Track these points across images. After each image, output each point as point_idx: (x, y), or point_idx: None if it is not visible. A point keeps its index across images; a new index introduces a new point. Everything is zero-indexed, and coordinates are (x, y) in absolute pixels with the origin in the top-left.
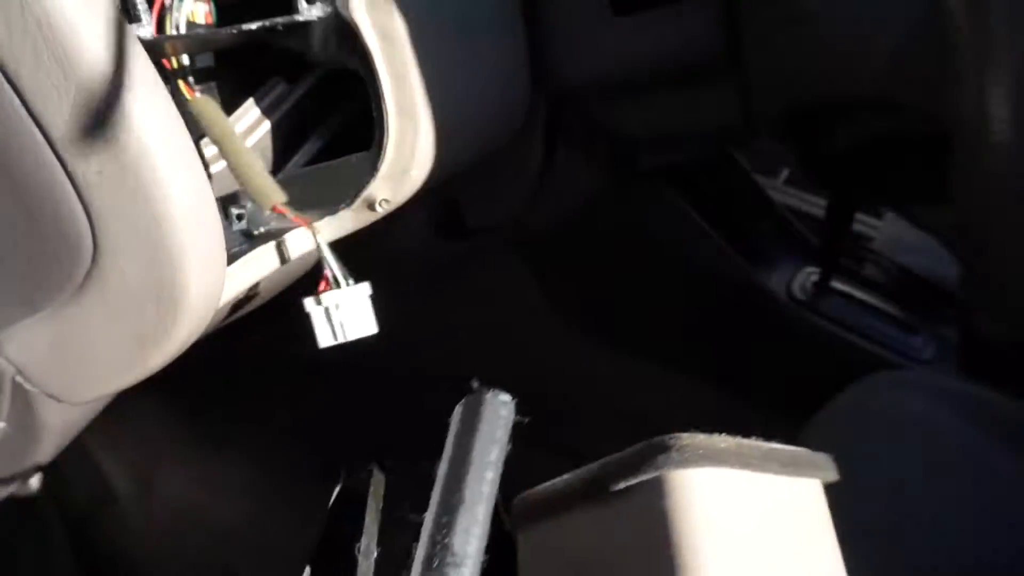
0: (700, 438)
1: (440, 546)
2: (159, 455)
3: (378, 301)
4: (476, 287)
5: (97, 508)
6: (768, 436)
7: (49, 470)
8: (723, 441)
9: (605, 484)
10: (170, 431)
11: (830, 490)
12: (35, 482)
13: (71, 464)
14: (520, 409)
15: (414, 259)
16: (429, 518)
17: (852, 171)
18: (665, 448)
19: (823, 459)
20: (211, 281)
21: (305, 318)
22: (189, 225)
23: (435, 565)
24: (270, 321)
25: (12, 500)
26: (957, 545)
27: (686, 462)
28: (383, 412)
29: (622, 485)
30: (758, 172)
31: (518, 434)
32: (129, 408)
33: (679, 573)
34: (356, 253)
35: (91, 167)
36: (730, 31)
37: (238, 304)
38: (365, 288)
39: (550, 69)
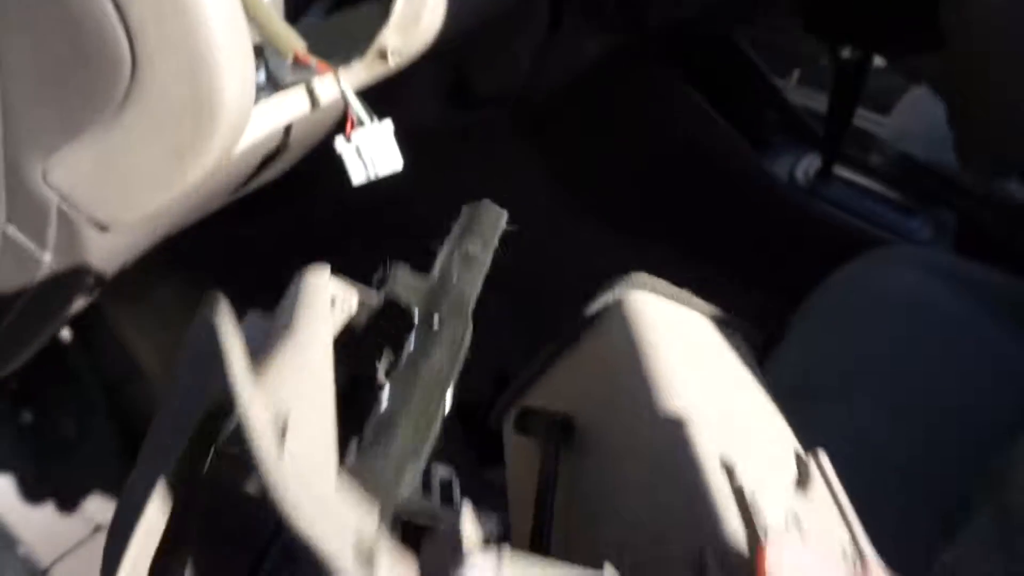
0: (646, 276)
1: (443, 287)
2: (181, 337)
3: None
4: (483, 160)
5: (127, 380)
6: (767, 312)
7: (83, 339)
8: (668, 284)
9: (577, 323)
10: (190, 315)
11: (833, 353)
12: (70, 339)
13: (102, 339)
14: (518, 291)
15: (425, 130)
16: (436, 267)
17: (854, 20)
18: (622, 280)
19: (741, 321)
20: (243, 93)
21: (337, 159)
22: (222, 37)
23: (437, 295)
24: (288, 203)
25: (54, 359)
26: (946, 405)
27: (643, 287)
28: None
29: (592, 311)
30: (771, 73)
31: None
32: (152, 291)
33: (644, 366)
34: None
35: None
36: None
37: (267, 157)
38: (388, 124)
39: None
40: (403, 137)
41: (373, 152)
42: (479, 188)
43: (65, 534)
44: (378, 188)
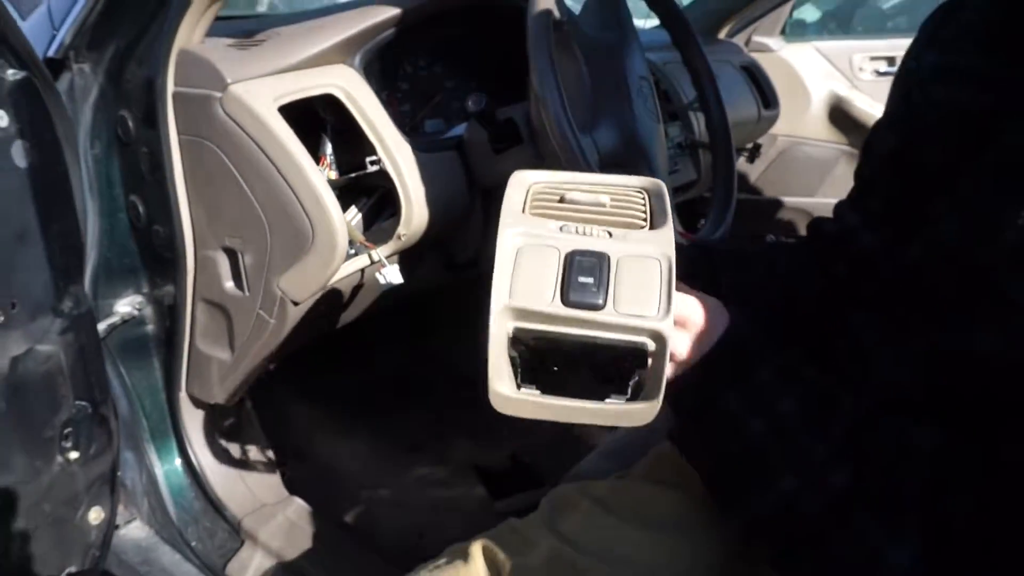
0: None
1: None
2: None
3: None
4: (464, 306)
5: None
6: None
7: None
8: None
9: None
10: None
11: None
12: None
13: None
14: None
15: (434, 287)
16: None
17: None
18: None
19: None
20: (339, 251)
21: (376, 278)
22: (341, 237)
23: None
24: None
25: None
26: None
27: None
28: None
29: None
30: None
31: None
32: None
33: None
34: (398, 289)
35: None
36: None
37: (351, 293)
38: (395, 267)
39: (476, 178)
40: (422, 294)
41: (390, 275)
42: (461, 324)
43: (250, 500)
44: None
